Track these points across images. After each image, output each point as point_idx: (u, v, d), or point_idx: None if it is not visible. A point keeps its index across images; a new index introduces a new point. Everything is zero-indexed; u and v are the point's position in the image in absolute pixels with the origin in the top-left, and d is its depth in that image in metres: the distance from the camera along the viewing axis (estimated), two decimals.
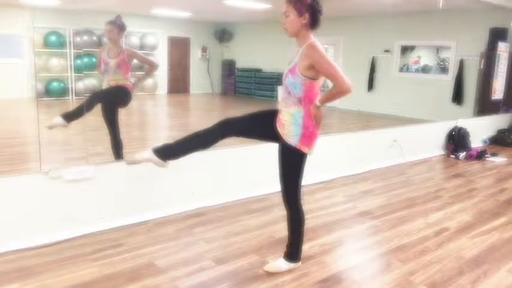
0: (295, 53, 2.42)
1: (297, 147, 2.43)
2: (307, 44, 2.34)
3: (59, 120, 3.99)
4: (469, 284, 2.61)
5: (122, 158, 4.18)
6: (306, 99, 2.38)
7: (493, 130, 7.44)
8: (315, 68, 2.31)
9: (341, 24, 10.16)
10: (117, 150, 4.23)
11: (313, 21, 2.36)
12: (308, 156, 2.49)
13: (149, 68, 4.40)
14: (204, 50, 13.56)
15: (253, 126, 2.62)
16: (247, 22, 12.88)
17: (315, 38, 2.38)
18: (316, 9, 2.35)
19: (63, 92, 10.34)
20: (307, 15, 2.33)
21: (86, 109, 4.08)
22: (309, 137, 2.43)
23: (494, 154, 6.30)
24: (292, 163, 2.49)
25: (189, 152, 2.66)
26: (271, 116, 2.54)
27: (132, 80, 4.29)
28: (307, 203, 3.82)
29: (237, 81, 13.70)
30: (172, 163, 3.65)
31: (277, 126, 2.48)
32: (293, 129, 2.42)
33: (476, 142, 6.82)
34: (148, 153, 2.62)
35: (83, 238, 3.03)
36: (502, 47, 7.82)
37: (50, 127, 4.01)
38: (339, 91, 2.29)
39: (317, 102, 2.37)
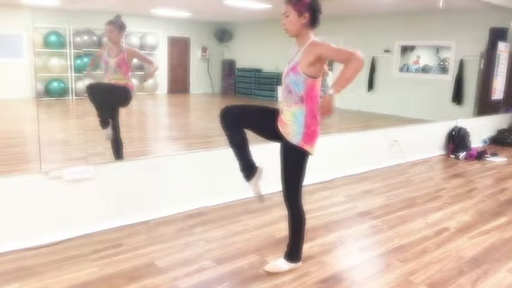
0: (295, 52, 2.42)
1: (300, 146, 2.43)
2: (310, 42, 2.35)
3: (108, 132, 4.22)
4: (469, 284, 2.61)
5: (122, 158, 4.19)
6: (307, 98, 2.39)
7: (493, 130, 7.44)
8: (321, 61, 2.30)
9: (341, 24, 10.16)
10: (117, 150, 4.23)
11: (313, 21, 2.37)
12: (310, 155, 2.49)
13: (150, 67, 4.40)
14: (204, 50, 13.56)
15: (255, 119, 2.61)
16: (247, 22, 12.88)
17: (315, 37, 2.39)
18: (316, 8, 2.36)
19: (63, 92, 10.34)
20: (307, 15, 2.34)
21: (99, 106, 4.16)
22: (311, 135, 2.44)
23: (494, 154, 6.30)
24: (294, 162, 2.49)
25: (246, 154, 2.64)
26: (273, 114, 2.54)
27: (134, 80, 4.30)
28: (307, 203, 3.81)
29: (237, 81, 13.70)
30: (171, 163, 3.68)
31: (279, 126, 2.48)
32: (295, 128, 2.42)
33: (476, 142, 6.82)
34: (252, 182, 2.66)
35: (83, 238, 3.03)
36: (502, 47, 7.82)
37: (109, 137, 4.25)
38: (354, 65, 2.18)
39: (331, 92, 2.22)
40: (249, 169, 2.65)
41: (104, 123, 4.20)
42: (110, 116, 4.20)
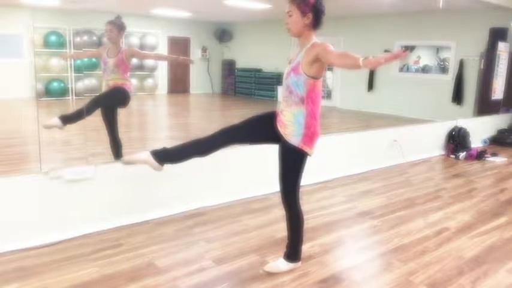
0: (297, 53, 2.42)
1: (299, 147, 2.43)
2: (312, 43, 2.35)
3: (57, 121, 3.99)
4: (469, 284, 2.61)
5: (122, 157, 4.18)
6: (308, 99, 2.38)
7: (493, 130, 7.43)
8: (319, 61, 2.29)
9: (341, 25, 10.15)
10: (117, 150, 4.24)
11: (316, 22, 2.37)
12: (309, 156, 2.49)
13: (161, 58, 4.38)
14: (204, 50, 13.56)
15: (254, 131, 2.61)
16: (247, 22, 12.88)
17: (317, 38, 2.39)
18: (320, 10, 2.36)
19: (63, 92, 10.33)
20: (310, 16, 2.34)
21: (85, 114, 4.08)
22: (310, 136, 2.43)
23: (494, 154, 6.30)
24: (293, 163, 2.49)
25: (186, 158, 2.62)
26: (269, 118, 2.54)
27: (133, 80, 4.30)
28: (307, 203, 3.82)
29: (237, 81, 13.70)
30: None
31: (278, 126, 2.47)
32: (295, 129, 2.42)
33: (476, 142, 6.82)
34: (146, 155, 2.58)
35: (83, 238, 3.03)
36: (502, 47, 7.82)
37: (46, 127, 3.98)
38: (347, 61, 2.17)
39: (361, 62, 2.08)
40: (165, 160, 2.59)
41: (73, 117, 4.06)
42: (106, 117, 4.18)
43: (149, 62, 11.43)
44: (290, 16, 2.37)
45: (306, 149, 2.44)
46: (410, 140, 5.78)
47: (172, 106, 11.74)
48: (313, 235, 3.19)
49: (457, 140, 6.32)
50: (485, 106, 7.91)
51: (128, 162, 2.71)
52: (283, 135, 2.45)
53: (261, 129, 2.58)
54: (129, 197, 3.36)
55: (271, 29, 10.52)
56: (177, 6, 9.81)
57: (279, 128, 2.47)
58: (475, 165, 5.78)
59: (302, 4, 2.33)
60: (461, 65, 8.88)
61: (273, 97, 12.11)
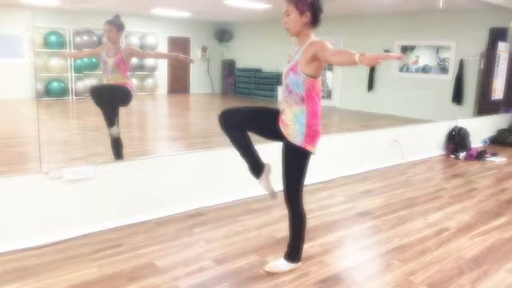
0: (295, 52, 2.42)
1: (302, 147, 2.43)
2: (310, 41, 2.35)
3: (113, 130, 4.21)
4: (469, 284, 2.61)
5: (122, 158, 4.19)
6: (308, 98, 2.38)
7: (493, 130, 7.44)
8: (317, 60, 2.29)
9: (341, 24, 10.16)
10: (117, 150, 4.24)
11: (315, 20, 2.36)
12: (312, 155, 2.49)
13: (160, 57, 4.40)
14: (204, 50, 13.56)
15: (255, 121, 2.61)
16: (247, 22, 12.88)
17: (316, 37, 2.39)
18: (318, 8, 2.35)
19: (63, 92, 10.34)
20: (308, 14, 2.33)
21: (103, 106, 4.15)
22: (312, 135, 2.43)
23: (494, 154, 6.30)
24: (296, 163, 2.49)
25: (251, 152, 2.65)
26: (273, 114, 2.53)
27: (134, 80, 4.31)
28: (307, 203, 3.79)
29: (237, 81, 13.70)
30: (171, 163, 3.68)
31: (281, 126, 2.47)
32: (297, 129, 2.42)
33: (476, 142, 6.82)
34: (260, 180, 2.70)
35: (83, 238, 3.03)
36: (502, 47, 7.82)
37: (115, 135, 4.23)
38: (345, 58, 2.16)
39: (357, 58, 2.05)
40: (256, 167, 2.66)
41: (110, 123, 4.21)
42: (115, 115, 4.21)
43: (149, 62, 11.44)
44: (288, 15, 2.36)
45: (309, 148, 2.44)
46: (410, 140, 5.77)
47: (172, 106, 11.74)
48: (313, 235, 3.19)
49: (457, 140, 6.32)
50: (485, 106, 7.91)
51: (273, 194, 2.74)
52: (286, 135, 2.45)
53: (264, 122, 2.59)
54: (129, 197, 3.36)
55: (271, 29, 10.52)
56: (177, 6, 9.81)
57: (282, 129, 2.47)
58: (475, 165, 5.78)
59: (299, 3, 2.32)
60: (461, 65, 8.88)
61: (273, 97, 12.11)
